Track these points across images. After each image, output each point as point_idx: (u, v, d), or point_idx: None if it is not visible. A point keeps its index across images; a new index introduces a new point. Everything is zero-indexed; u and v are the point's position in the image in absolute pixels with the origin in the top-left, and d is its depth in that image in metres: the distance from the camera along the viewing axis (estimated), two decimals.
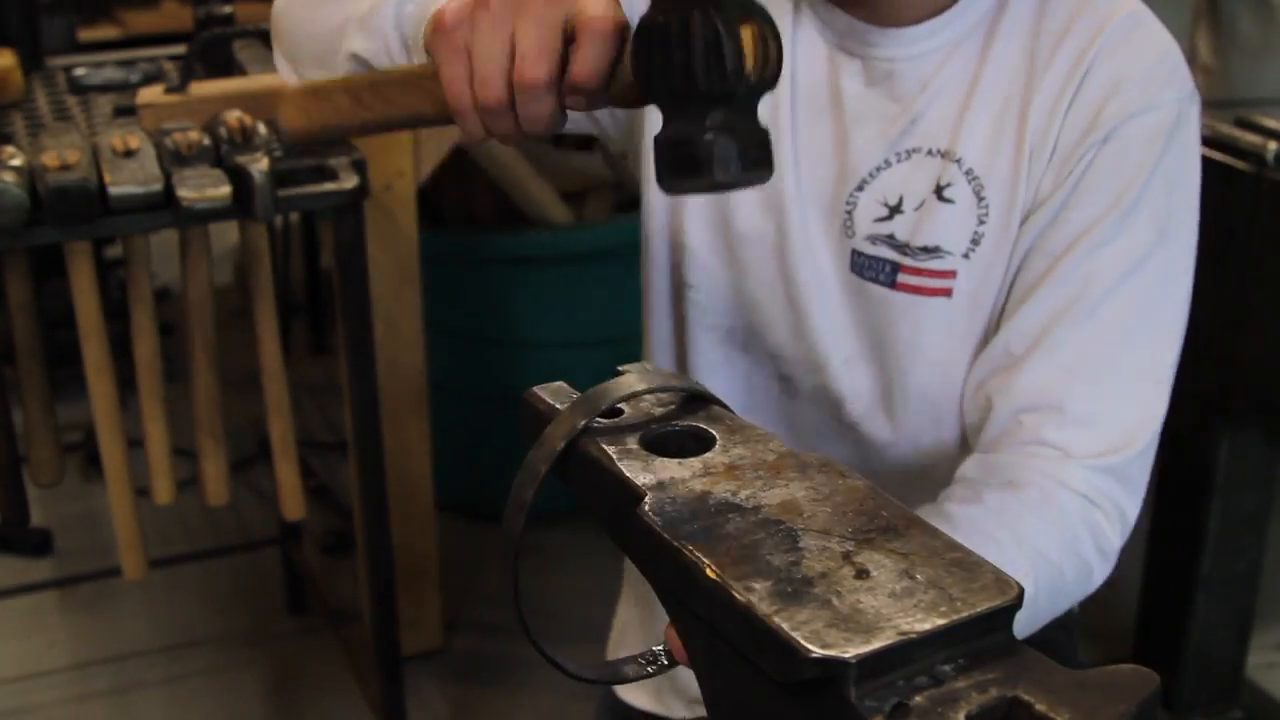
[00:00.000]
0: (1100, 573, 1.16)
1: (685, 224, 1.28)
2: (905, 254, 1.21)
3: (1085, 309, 1.15)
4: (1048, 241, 1.17)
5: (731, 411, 0.79)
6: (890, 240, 1.21)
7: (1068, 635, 1.42)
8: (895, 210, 1.21)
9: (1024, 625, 1.12)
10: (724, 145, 0.84)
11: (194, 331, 1.93)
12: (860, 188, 1.22)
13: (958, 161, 1.19)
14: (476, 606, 2.85)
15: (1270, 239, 2.12)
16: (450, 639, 2.73)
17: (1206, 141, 2.17)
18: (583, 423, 0.75)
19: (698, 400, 0.79)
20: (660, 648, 0.81)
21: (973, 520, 1.09)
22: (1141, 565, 2.45)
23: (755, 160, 0.87)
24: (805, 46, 1.24)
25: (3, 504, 2.01)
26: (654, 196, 1.30)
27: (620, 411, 0.77)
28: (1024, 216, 1.18)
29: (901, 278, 1.21)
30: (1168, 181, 1.17)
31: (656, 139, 0.87)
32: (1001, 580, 0.62)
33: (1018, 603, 0.61)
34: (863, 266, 1.23)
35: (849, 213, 1.22)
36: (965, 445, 1.24)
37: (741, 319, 1.29)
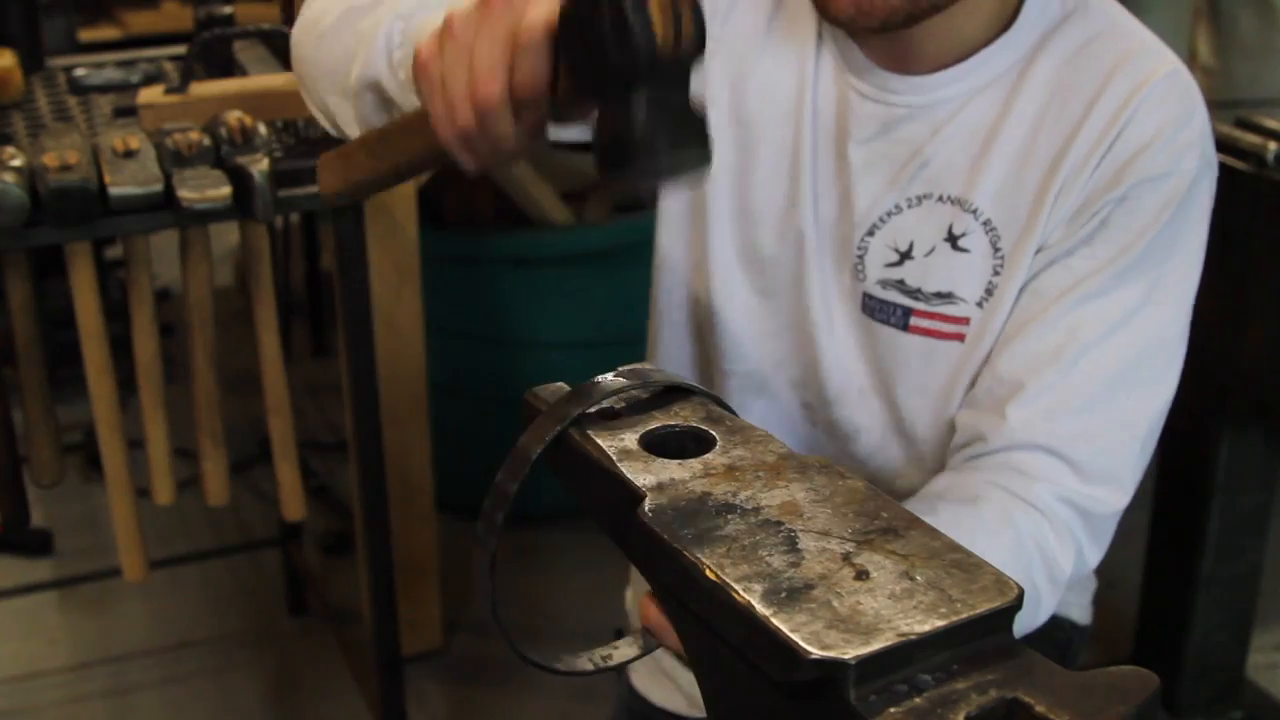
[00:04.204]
0: (1049, 603, 1.16)
1: (710, 246, 1.28)
2: (917, 299, 1.21)
3: (1069, 358, 1.15)
4: (1042, 283, 1.17)
5: (729, 409, 0.79)
6: (900, 285, 1.21)
7: (1060, 651, 1.42)
8: (905, 256, 1.21)
9: None
10: (648, 126, 0.82)
11: (194, 332, 1.93)
12: (871, 233, 1.22)
13: (974, 212, 1.19)
14: (476, 606, 2.85)
15: (1270, 239, 2.12)
16: (450, 639, 2.73)
17: None
18: (551, 434, 0.75)
19: (688, 394, 0.79)
20: (624, 639, 0.82)
21: None
22: (1141, 565, 2.45)
23: (685, 139, 0.84)
24: (825, 81, 1.23)
25: (3, 504, 2.01)
26: (673, 229, 1.30)
27: (619, 413, 0.78)
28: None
29: (915, 321, 1.21)
30: (1166, 247, 1.17)
31: (592, 131, 0.85)
32: (1001, 581, 0.62)
33: (1018, 604, 0.62)
34: (874, 309, 1.23)
35: (860, 257, 1.22)
36: None
37: (760, 358, 1.29)
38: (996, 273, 1.19)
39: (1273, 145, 2.10)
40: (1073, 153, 1.16)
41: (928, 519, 1.09)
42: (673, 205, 1.31)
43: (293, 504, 2.09)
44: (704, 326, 1.31)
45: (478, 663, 2.70)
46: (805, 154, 1.23)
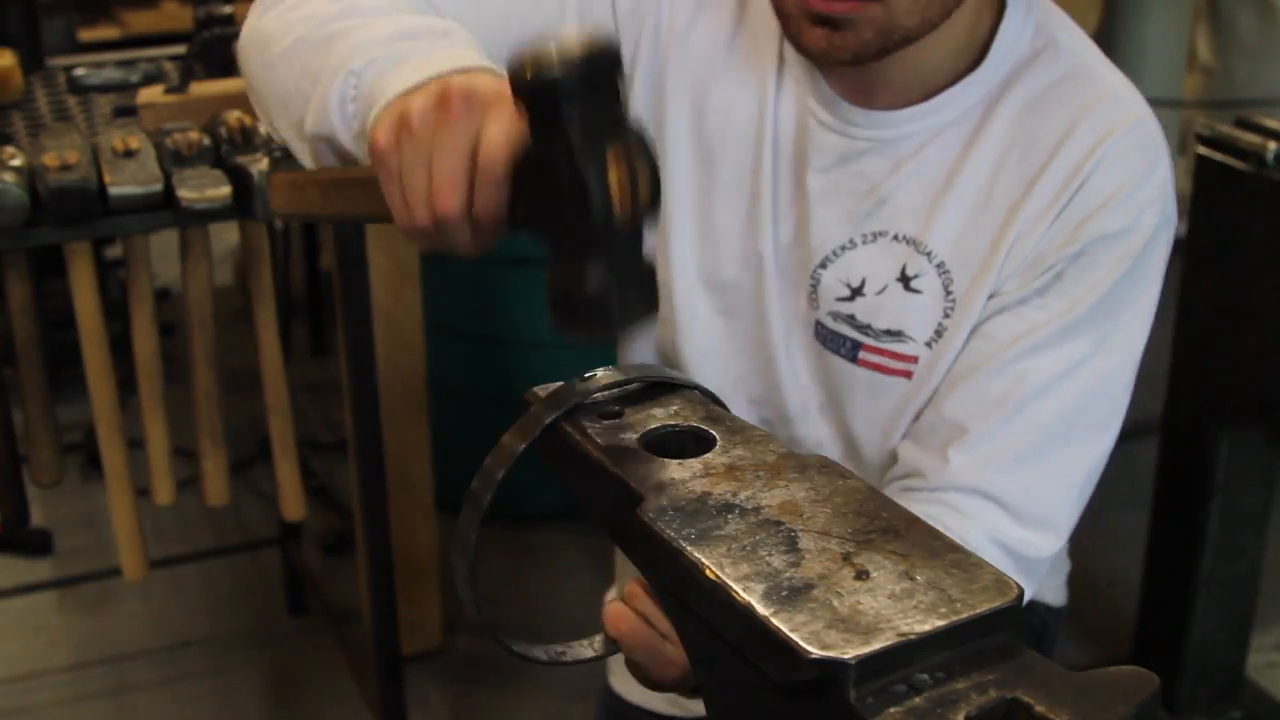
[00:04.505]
0: None
1: (672, 268, 1.27)
2: (867, 334, 1.21)
3: (1013, 406, 1.16)
4: (993, 328, 1.18)
5: (725, 407, 0.79)
6: (851, 320, 1.21)
7: (1035, 636, 1.42)
8: (857, 292, 1.20)
9: None
10: (599, 291, 0.82)
11: (194, 331, 1.93)
12: (824, 265, 1.21)
13: (928, 254, 1.18)
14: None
15: (1270, 239, 2.12)
16: (450, 639, 2.73)
17: (1207, 141, 2.17)
18: (532, 437, 0.75)
19: (687, 392, 0.79)
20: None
21: None
22: (1141, 565, 2.44)
23: (634, 300, 0.83)
24: (785, 105, 1.22)
25: (3, 504, 2.01)
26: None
27: (620, 412, 0.78)
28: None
29: (863, 355, 1.21)
30: (1119, 301, 1.17)
31: (547, 278, 0.85)
32: (1001, 581, 0.62)
33: (1018, 604, 0.62)
34: (826, 338, 1.23)
35: (814, 286, 1.22)
36: None
37: (720, 375, 1.28)
38: (947, 315, 1.19)
39: (1273, 145, 2.10)
40: (1031, 202, 1.15)
41: None
42: None
43: (292, 504, 2.09)
44: (667, 345, 1.30)
45: (478, 663, 2.70)
46: (765, 177, 1.22)
